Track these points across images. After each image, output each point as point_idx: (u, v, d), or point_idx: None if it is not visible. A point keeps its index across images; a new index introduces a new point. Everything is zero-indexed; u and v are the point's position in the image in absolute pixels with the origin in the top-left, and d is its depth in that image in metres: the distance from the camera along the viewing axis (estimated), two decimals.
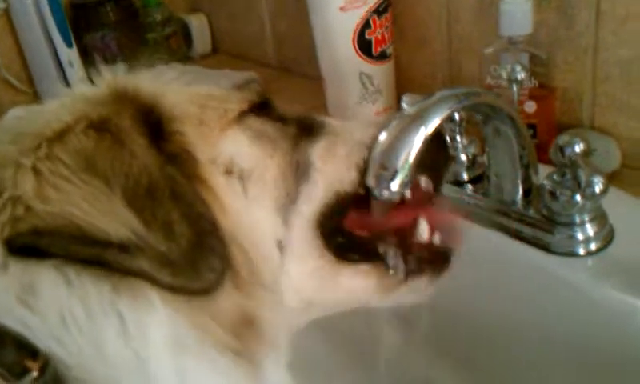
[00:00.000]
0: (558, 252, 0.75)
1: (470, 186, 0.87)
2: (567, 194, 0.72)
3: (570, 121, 0.94)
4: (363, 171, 0.60)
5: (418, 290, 0.64)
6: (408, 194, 0.61)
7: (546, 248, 0.75)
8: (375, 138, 0.60)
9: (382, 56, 1.06)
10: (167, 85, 0.57)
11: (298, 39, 1.41)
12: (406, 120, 0.62)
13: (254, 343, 0.50)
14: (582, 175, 0.70)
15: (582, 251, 0.74)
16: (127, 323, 0.43)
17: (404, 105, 0.84)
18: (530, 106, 0.90)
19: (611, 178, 0.76)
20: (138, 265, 0.43)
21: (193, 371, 0.45)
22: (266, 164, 0.57)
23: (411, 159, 0.59)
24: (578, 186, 0.71)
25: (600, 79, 0.90)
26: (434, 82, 1.14)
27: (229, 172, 0.54)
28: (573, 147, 0.70)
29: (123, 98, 0.52)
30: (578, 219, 0.73)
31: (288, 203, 0.57)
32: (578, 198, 0.71)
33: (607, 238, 0.74)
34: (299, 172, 0.58)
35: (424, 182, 0.64)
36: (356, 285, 0.61)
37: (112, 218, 0.44)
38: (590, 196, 0.70)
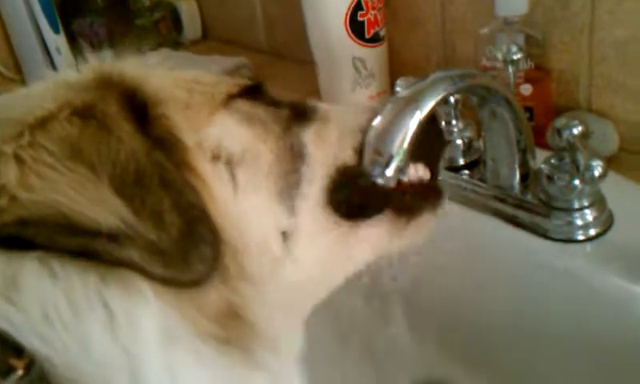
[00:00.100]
0: (556, 238, 0.74)
1: (466, 172, 0.85)
2: (565, 178, 0.71)
3: (566, 103, 0.93)
4: (359, 155, 0.59)
5: (423, 227, 0.64)
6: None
7: (543, 234, 0.75)
8: (369, 122, 0.59)
9: (375, 38, 1.05)
10: (152, 69, 0.55)
11: (289, 24, 1.39)
12: (400, 103, 0.60)
13: (243, 333, 0.49)
14: (581, 158, 0.68)
15: (580, 237, 0.73)
16: (116, 315, 0.41)
17: (398, 88, 0.83)
18: (526, 89, 0.89)
19: (609, 162, 0.74)
20: (127, 255, 0.42)
21: (182, 363, 0.44)
22: (258, 149, 0.55)
23: (406, 144, 0.57)
24: (576, 170, 0.69)
25: (596, 60, 0.88)
26: (427, 64, 1.12)
27: (216, 157, 0.52)
28: (571, 130, 0.69)
29: (108, 84, 0.50)
30: (576, 204, 0.72)
31: (289, 189, 0.55)
32: (577, 182, 0.70)
33: (606, 223, 0.73)
34: (295, 156, 0.57)
35: (421, 171, 0.63)
36: (371, 237, 0.61)
37: (100, 206, 0.42)
38: (589, 180, 0.69)
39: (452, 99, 0.84)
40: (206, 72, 0.61)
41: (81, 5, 1.54)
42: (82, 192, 0.42)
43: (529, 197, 0.76)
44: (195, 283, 0.45)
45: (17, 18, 1.44)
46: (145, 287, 0.43)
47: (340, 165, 0.59)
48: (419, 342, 0.89)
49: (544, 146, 0.75)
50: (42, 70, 1.40)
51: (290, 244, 0.54)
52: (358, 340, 0.93)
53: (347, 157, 0.60)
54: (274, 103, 0.60)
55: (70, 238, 0.41)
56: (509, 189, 0.78)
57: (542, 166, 0.73)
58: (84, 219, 0.41)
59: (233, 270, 0.49)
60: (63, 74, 0.53)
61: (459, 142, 0.86)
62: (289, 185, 0.55)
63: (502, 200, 0.79)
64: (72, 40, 1.48)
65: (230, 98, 0.57)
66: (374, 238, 0.61)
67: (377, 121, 0.59)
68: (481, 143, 0.80)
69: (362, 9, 1.01)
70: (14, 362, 0.39)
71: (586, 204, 0.72)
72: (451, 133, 0.86)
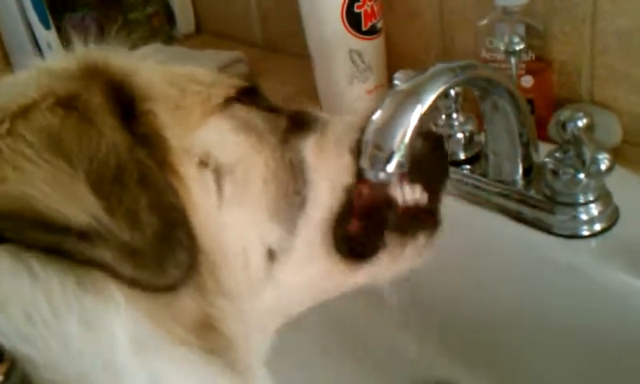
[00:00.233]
0: (561, 233, 0.73)
1: (467, 166, 0.84)
2: (570, 172, 0.69)
3: (568, 95, 0.91)
4: (357, 153, 0.57)
5: (418, 253, 0.63)
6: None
7: (548, 229, 0.73)
8: (369, 117, 0.57)
9: (372, 31, 1.03)
10: (141, 61, 0.53)
11: (285, 16, 1.37)
12: (400, 97, 0.59)
13: (218, 343, 0.47)
14: (587, 152, 0.67)
15: (585, 232, 0.72)
16: (91, 320, 0.40)
17: (397, 82, 0.82)
18: (527, 81, 0.88)
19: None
20: (99, 255, 0.40)
21: (163, 371, 0.43)
22: (251, 160, 0.53)
23: (407, 138, 0.56)
24: (581, 164, 0.68)
25: (598, 50, 0.87)
26: (426, 56, 1.10)
27: (203, 164, 0.50)
28: (575, 122, 0.68)
29: (93, 73, 0.48)
30: (581, 199, 0.71)
31: (287, 207, 0.53)
32: (582, 176, 0.69)
33: (612, 218, 0.72)
34: (295, 172, 0.55)
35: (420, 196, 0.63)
36: (367, 272, 0.60)
37: (73, 203, 0.40)
38: (595, 174, 0.67)
39: (452, 92, 0.83)
40: (201, 67, 0.59)
41: None
42: (56, 186, 0.41)
43: (532, 192, 0.75)
44: (169, 288, 0.43)
45: (7, 14, 1.42)
46: (116, 292, 0.41)
47: (343, 186, 0.57)
48: (420, 340, 0.88)
49: (545, 138, 0.74)
50: None
51: (275, 266, 0.52)
52: (357, 339, 0.92)
53: (348, 173, 0.58)
54: (272, 109, 0.58)
55: (40, 235, 0.40)
56: (511, 183, 0.77)
57: (546, 159, 0.72)
58: (55, 215, 0.40)
59: (209, 282, 0.47)
60: (48, 61, 0.52)
61: (460, 135, 0.84)
62: (284, 202, 0.53)
63: (504, 195, 0.78)
64: (63, 35, 1.46)
65: (227, 101, 0.55)
66: (370, 272, 0.60)
67: (376, 115, 0.58)
68: (482, 137, 0.79)
69: (358, 0, 0.99)
70: None
71: (591, 198, 0.71)
72: (452, 126, 0.85)
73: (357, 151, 0.58)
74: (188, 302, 0.45)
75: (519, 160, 0.75)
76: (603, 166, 0.66)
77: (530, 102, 0.87)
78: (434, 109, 0.61)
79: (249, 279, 0.51)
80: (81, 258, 0.40)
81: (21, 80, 0.49)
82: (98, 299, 0.41)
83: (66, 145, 0.42)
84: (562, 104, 0.89)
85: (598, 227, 0.71)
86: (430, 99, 0.59)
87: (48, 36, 1.41)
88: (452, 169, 0.84)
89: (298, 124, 0.58)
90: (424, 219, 0.63)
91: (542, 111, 0.88)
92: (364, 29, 1.02)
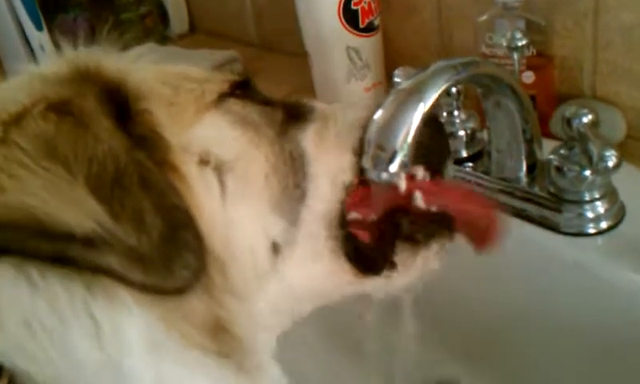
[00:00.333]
0: (567, 231, 0.72)
1: (469, 164, 0.83)
2: (576, 169, 0.69)
3: (570, 91, 0.90)
4: (359, 153, 0.56)
5: (431, 260, 0.61)
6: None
7: (553, 227, 0.73)
8: (370, 117, 0.56)
9: (370, 28, 1.02)
10: (133, 62, 0.52)
11: (279, 14, 1.36)
12: (402, 95, 0.58)
13: (231, 345, 0.47)
14: (593, 149, 0.66)
15: (591, 230, 0.71)
16: (101, 326, 0.39)
17: (397, 79, 0.80)
18: (528, 77, 0.87)
19: None
20: (106, 261, 0.39)
21: (173, 375, 0.42)
22: (251, 155, 0.52)
23: (410, 138, 0.55)
24: (587, 161, 0.67)
25: (601, 45, 0.86)
26: (424, 53, 1.10)
27: (204, 162, 0.49)
28: (581, 119, 0.67)
29: (85, 77, 0.47)
30: (587, 196, 0.70)
31: (288, 199, 0.52)
32: (588, 173, 0.68)
33: (618, 215, 0.71)
34: (295, 164, 0.54)
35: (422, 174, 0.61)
36: (373, 285, 0.59)
37: (75, 209, 0.39)
38: (603, 171, 0.67)
39: (454, 89, 0.82)
40: (194, 66, 0.58)
41: (64, 0, 1.51)
42: (55, 194, 0.40)
43: (536, 189, 0.74)
44: (178, 291, 0.42)
45: None
46: (126, 297, 0.40)
47: (343, 182, 0.56)
48: (422, 339, 0.87)
49: (547, 135, 0.74)
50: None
51: (279, 259, 0.52)
52: (357, 338, 0.91)
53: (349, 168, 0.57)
54: (266, 102, 0.57)
55: (43, 244, 0.39)
56: (515, 181, 0.76)
57: (551, 156, 0.71)
58: (57, 223, 0.39)
59: (218, 282, 0.46)
60: (39, 66, 0.51)
61: (462, 133, 0.84)
62: (286, 195, 0.52)
63: (508, 193, 0.77)
64: (55, 36, 1.45)
65: (221, 96, 0.54)
66: (378, 283, 0.59)
67: (378, 114, 0.57)
68: (484, 134, 0.78)
69: None
70: None
71: (597, 196, 0.70)
72: (453, 124, 0.84)
73: (359, 151, 0.57)
74: (198, 303, 0.44)
75: (523, 157, 0.74)
76: (611, 163, 0.66)
77: (532, 98, 0.86)
78: (435, 107, 0.59)
79: (255, 276, 0.50)
80: (86, 265, 0.39)
81: (12, 86, 0.48)
82: (108, 304, 0.40)
83: (63, 150, 0.41)
84: (563, 100, 0.88)
85: (604, 225, 0.71)
86: (432, 97, 0.58)
87: (40, 37, 1.40)
88: (454, 167, 0.83)
89: (294, 115, 0.57)
90: (438, 225, 0.62)
91: (543, 107, 0.87)
92: (361, 26, 1.01)
